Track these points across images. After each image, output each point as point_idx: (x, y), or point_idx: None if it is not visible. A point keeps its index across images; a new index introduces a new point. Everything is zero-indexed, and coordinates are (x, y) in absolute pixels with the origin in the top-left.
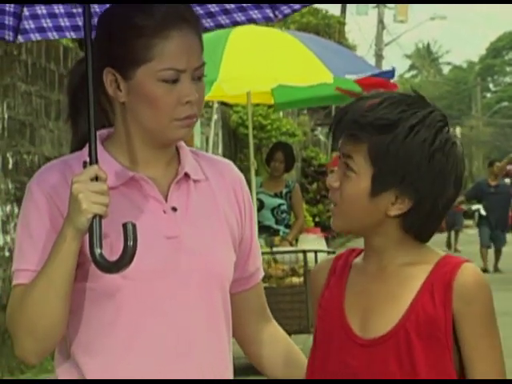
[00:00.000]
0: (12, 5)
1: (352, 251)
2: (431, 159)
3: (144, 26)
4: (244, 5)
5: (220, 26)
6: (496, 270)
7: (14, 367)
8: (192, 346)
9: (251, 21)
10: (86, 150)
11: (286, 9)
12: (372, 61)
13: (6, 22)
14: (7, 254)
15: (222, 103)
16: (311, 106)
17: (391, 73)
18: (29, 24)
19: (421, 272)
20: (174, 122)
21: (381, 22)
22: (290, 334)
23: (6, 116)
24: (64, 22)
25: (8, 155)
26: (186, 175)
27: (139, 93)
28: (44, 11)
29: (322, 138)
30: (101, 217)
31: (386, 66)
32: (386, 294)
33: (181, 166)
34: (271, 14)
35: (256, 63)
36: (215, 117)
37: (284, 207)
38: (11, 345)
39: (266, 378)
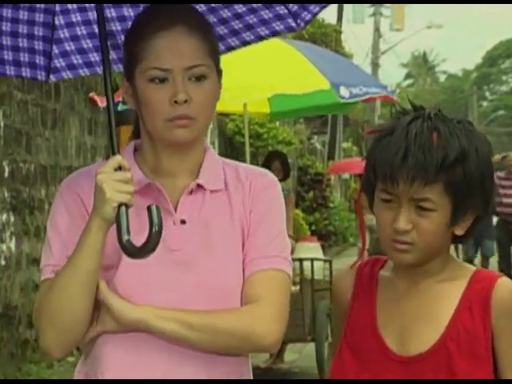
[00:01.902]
0: (41, 43)
1: (377, 260)
2: (492, 169)
3: (140, 30)
4: (266, 17)
5: (245, 43)
6: None
7: (9, 375)
8: (196, 354)
9: (275, 33)
10: None
11: (306, 15)
12: (368, 69)
13: (37, 62)
14: (3, 262)
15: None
16: (307, 115)
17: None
18: (59, 62)
19: (455, 288)
20: (166, 122)
21: (377, 30)
22: (285, 342)
23: (2, 124)
24: (94, 57)
25: (4, 163)
26: (200, 186)
27: (138, 96)
28: (73, 47)
29: (318, 146)
30: (127, 205)
31: (382, 75)
32: (423, 312)
33: (198, 177)
34: (293, 24)
35: (252, 71)
36: (211, 125)
37: None
38: (6, 354)
39: (267, 379)
